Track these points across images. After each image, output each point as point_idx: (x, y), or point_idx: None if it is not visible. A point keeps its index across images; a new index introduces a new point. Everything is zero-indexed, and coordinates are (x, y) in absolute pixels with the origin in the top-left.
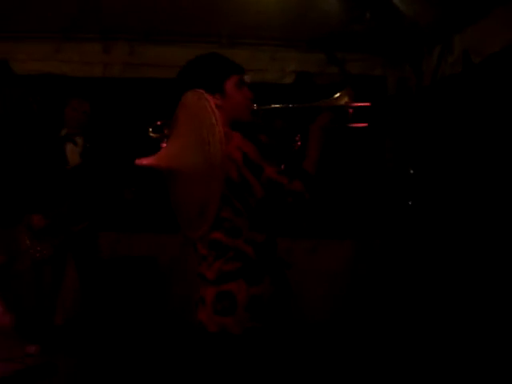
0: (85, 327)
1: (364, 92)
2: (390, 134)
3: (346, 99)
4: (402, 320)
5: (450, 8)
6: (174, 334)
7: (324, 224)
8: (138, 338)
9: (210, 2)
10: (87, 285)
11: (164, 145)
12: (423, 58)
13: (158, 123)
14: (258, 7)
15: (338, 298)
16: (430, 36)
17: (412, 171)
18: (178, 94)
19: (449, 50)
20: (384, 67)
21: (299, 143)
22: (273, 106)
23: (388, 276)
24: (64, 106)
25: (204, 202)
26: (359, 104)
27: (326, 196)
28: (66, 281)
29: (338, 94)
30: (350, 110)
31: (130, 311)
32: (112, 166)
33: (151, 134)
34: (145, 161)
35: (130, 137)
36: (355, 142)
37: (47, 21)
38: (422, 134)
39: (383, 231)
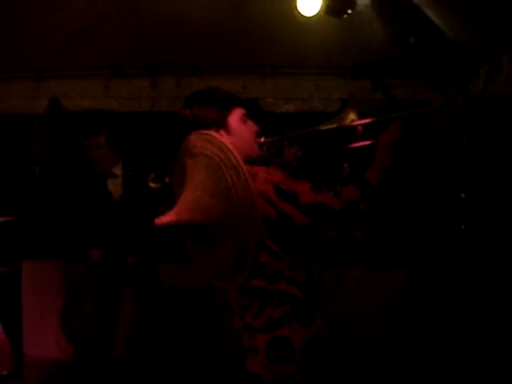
0: (143, 359)
1: (410, 117)
2: (439, 159)
3: (352, 117)
4: (457, 345)
5: (496, 29)
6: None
7: (375, 250)
8: (195, 369)
9: (252, 35)
10: (146, 317)
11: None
12: (470, 79)
13: (158, 172)
14: (300, 37)
15: (389, 326)
16: (476, 57)
17: (463, 195)
18: (179, 137)
19: (497, 71)
20: (430, 91)
21: (347, 170)
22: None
23: (441, 302)
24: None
25: (240, 249)
26: (363, 122)
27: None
28: (124, 313)
29: (341, 114)
30: (359, 129)
31: (185, 341)
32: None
33: (151, 184)
34: (164, 219)
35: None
36: (405, 166)
37: (96, 58)
38: (472, 156)
39: (435, 257)
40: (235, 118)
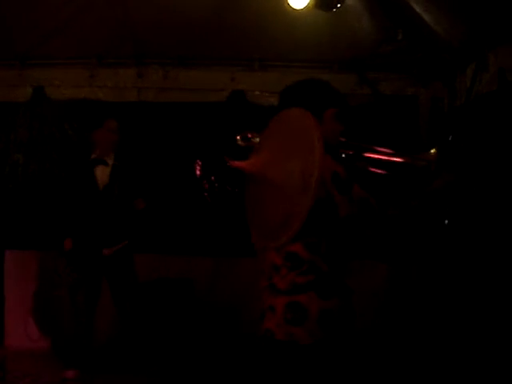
0: (123, 351)
1: (396, 112)
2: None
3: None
4: (442, 340)
5: (483, 26)
6: (212, 353)
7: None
8: (178, 358)
9: (241, 27)
10: (123, 308)
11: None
12: (456, 76)
13: (249, 135)
14: (289, 30)
15: (373, 319)
16: (463, 54)
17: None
18: (278, 109)
19: (483, 68)
20: (416, 87)
21: None
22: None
23: (424, 297)
24: (97, 127)
25: (291, 213)
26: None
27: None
28: (103, 305)
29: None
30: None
31: (166, 333)
32: (138, 187)
33: (239, 142)
34: (238, 164)
35: (162, 158)
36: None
37: (82, 47)
38: (457, 153)
39: (419, 255)
40: (329, 114)
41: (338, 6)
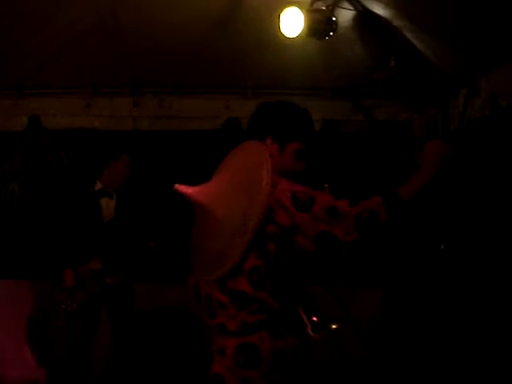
0: (119, 380)
1: (390, 137)
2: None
3: None
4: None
5: (474, 52)
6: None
7: (355, 271)
8: None
9: (234, 55)
10: (121, 337)
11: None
12: (449, 101)
13: None
14: (282, 58)
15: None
16: (455, 80)
17: (442, 216)
18: (246, 134)
19: (475, 93)
20: (410, 112)
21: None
22: None
23: (418, 322)
24: (106, 159)
25: (224, 253)
26: None
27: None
28: (99, 334)
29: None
30: None
31: (163, 362)
32: (141, 218)
33: None
34: (183, 188)
35: (159, 188)
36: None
37: (77, 76)
38: (452, 176)
39: (413, 277)
40: (292, 147)
41: (331, 34)
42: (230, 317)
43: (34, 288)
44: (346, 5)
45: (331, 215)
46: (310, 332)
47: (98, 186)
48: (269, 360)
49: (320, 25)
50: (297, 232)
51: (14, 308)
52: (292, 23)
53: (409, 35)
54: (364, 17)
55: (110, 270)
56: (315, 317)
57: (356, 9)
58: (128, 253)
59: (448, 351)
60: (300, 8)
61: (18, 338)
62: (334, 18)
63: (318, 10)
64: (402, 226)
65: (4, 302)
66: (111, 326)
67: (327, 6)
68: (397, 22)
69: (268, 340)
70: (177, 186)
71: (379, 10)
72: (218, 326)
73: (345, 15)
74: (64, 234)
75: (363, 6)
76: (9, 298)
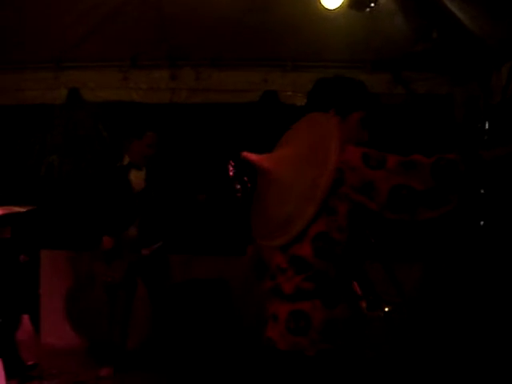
0: (156, 351)
1: (431, 111)
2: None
3: None
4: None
5: None
6: (245, 356)
7: (392, 246)
8: (210, 360)
9: (273, 27)
10: (158, 309)
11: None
12: (492, 75)
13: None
14: (322, 30)
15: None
16: (498, 53)
17: (483, 191)
18: (306, 107)
19: None
20: (451, 86)
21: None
22: None
23: (457, 298)
24: (135, 136)
25: (292, 218)
26: None
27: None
28: (137, 305)
29: None
30: None
31: (200, 334)
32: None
33: None
34: (252, 156)
35: (195, 159)
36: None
37: (115, 49)
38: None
39: (453, 253)
40: (356, 117)
41: (372, 5)
42: (287, 279)
43: (74, 258)
44: None
45: (406, 167)
46: (364, 309)
47: (126, 159)
48: (320, 329)
49: None
50: (370, 190)
51: (55, 278)
52: None
53: (451, 6)
54: None
55: (146, 239)
56: (371, 295)
57: None
58: (163, 222)
59: (490, 331)
60: None
61: (58, 307)
62: None
63: None
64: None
65: (45, 273)
66: (148, 298)
67: None
68: None
69: (320, 309)
70: (245, 153)
71: None
72: (274, 289)
73: None
74: (99, 204)
75: None
76: (50, 268)
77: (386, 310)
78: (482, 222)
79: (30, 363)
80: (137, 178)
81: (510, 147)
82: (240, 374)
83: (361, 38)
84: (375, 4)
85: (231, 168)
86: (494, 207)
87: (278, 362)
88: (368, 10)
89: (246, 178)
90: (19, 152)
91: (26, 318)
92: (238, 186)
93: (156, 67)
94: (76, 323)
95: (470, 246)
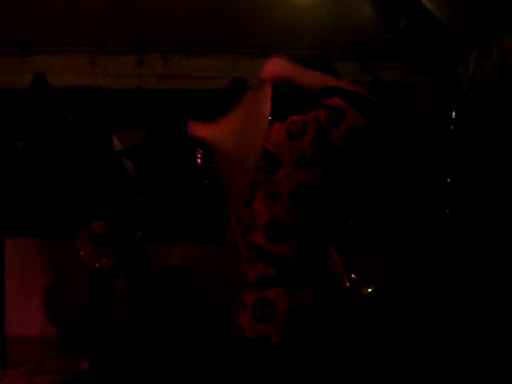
0: (132, 338)
1: (399, 100)
2: (426, 142)
3: None
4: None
5: (486, 14)
6: (214, 346)
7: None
8: (179, 350)
9: (242, 14)
10: (137, 296)
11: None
12: (459, 64)
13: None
14: (290, 17)
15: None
16: (465, 42)
17: (449, 180)
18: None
19: (486, 56)
20: (419, 75)
21: None
22: None
23: (425, 285)
24: (131, 128)
25: (236, 187)
26: None
27: (364, 205)
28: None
29: None
30: None
31: (169, 322)
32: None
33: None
34: (198, 132)
35: (162, 146)
36: (392, 150)
37: (83, 34)
38: (460, 141)
39: (420, 240)
40: None
41: None
42: (252, 267)
43: (41, 246)
44: None
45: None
46: (346, 289)
47: (118, 145)
48: (284, 316)
49: None
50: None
51: (20, 266)
52: None
53: None
54: None
55: (136, 225)
56: (354, 274)
57: None
58: (146, 210)
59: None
60: None
61: (22, 296)
62: None
63: None
64: (410, 189)
65: (10, 261)
66: (127, 285)
67: None
68: None
69: (284, 295)
70: (190, 128)
71: None
72: (242, 276)
73: None
74: (89, 189)
75: None
76: (14, 256)
77: (370, 290)
78: (447, 211)
79: None
80: (128, 164)
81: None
82: (210, 363)
83: (329, 25)
84: None
85: (199, 155)
86: (461, 195)
87: (246, 351)
88: None
89: (213, 165)
90: None
91: None
92: (207, 174)
93: (123, 53)
94: (47, 313)
95: (437, 233)
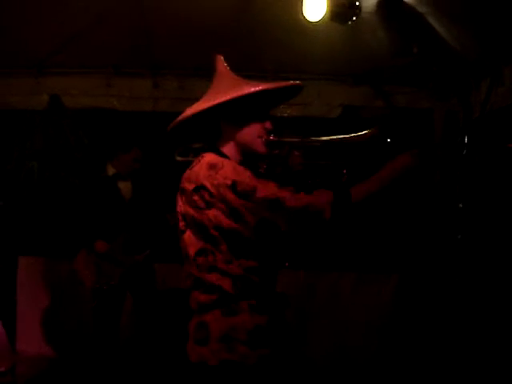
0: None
1: (411, 125)
2: (437, 168)
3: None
4: (452, 354)
5: (498, 41)
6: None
7: (369, 257)
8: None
9: (255, 38)
10: (143, 316)
11: None
12: (471, 90)
13: (184, 147)
14: (304, 42)
15: (382, 334)
16: (478, 69)
17: (461, 205)
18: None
19: (498, 83)
20: (431, 100)
21: (345, 177)
22: (289, 139)
23: (434, 310)
24: (122, 150)
25: None
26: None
27: (372, 227)
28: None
29: (363, 132)
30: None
31: (175, 342)
32: (159, 193)
33: (178, 158)
34: None
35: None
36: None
37: (98, 56)
38: (472, 167)
39: (430, 266)
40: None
41: (354, 18)
42: (191, 297)
43: (51, 265)
44: None
45: (272, 207)
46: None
47: (111, 170)
48: (218, 338)
49: (343, 9)
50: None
51: (32, 285)
52: (315, 7)
53: (432, 22)
54: (387, 2)
55: (135, 247)
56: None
57: None
58: (151, 230)
59: (464, 344)
60: None
61: (35, 315)
62: (357, 3)
63: None
64: (422, 214)
65: (22, 279)
66: (133, 305)
67: None
68: (421, 8)
69: (219, 318)
70: None
71: None
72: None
73: (368, 0)
74: (86, 213)
75: None
76: (27, 275)
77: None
78: (459, 236)
79: (1, 370)
80: (125, 187)
81: (378, 180)
82: None
83: (342, 50)
84: (357, 17)
85: None
86: (472, 221)
87: (190, 375)
88: (350, 23)
89: None
90: None
91: None
92: None
93: (139, 75)
94: (54, 332)
95: (447, 259)
